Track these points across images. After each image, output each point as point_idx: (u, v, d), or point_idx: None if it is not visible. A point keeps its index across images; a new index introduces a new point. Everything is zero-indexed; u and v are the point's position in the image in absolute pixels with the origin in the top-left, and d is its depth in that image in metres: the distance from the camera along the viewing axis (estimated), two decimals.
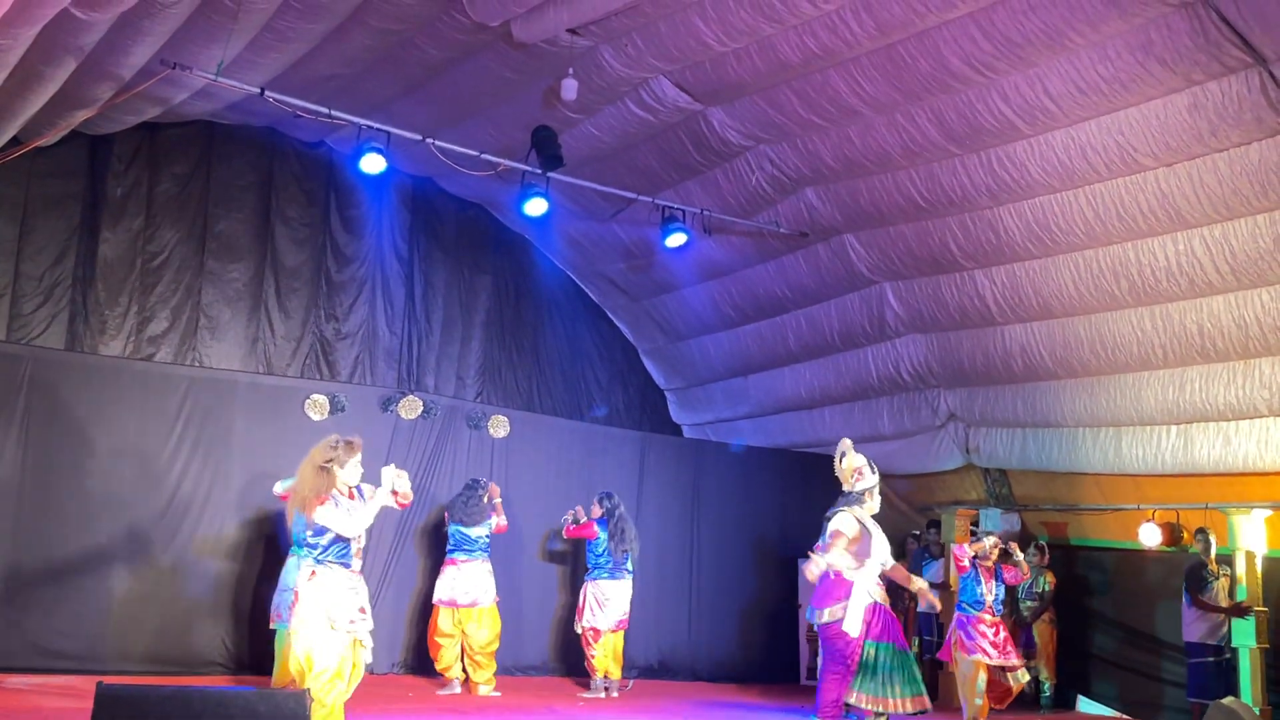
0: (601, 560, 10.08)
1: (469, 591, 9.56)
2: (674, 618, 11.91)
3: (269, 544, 9.51)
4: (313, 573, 6.35)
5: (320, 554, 6.40)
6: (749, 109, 9.83)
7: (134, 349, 11.31)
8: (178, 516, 9.32)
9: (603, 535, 10.09)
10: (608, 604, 10.00)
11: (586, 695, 9.93)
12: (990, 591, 9.40)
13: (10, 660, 8.48)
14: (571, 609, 10.65)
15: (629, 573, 10.16)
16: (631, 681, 10.71)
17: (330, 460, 6.51)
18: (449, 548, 9.71)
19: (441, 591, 9.60)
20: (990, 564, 9.51)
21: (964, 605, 9.53)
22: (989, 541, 9.61)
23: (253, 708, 4.65)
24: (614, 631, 10.07)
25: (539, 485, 11.07)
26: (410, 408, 10.45)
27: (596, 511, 10.16)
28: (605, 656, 10.03)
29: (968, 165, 9.32)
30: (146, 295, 11.57)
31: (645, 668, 11.46)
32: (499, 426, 10.98)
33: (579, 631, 10.15)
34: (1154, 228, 8.76)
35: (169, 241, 11.73)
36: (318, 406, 10.02)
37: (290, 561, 6.51)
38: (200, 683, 8.50)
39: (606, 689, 9.97)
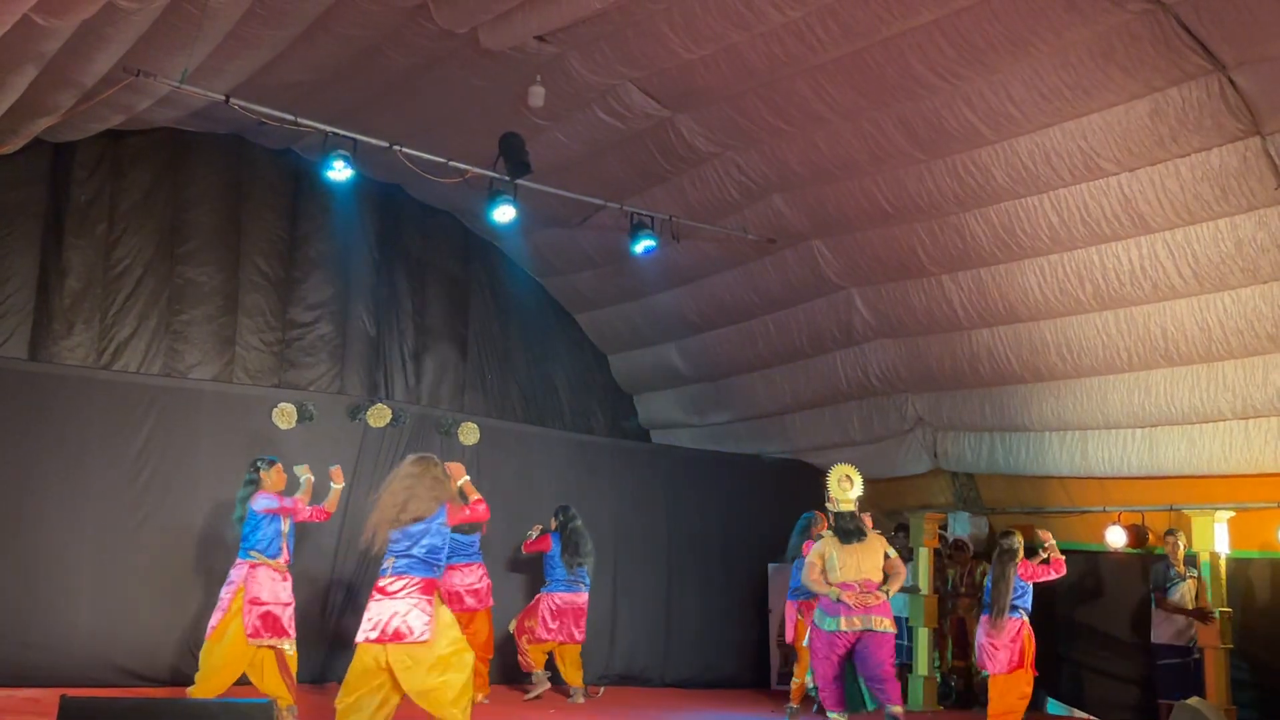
0: (557, 573, 10.12)
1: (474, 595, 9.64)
2: (646, 625, 11.91)
3: (234, 555, 9.43)
4: None
5: None
6: (716, 115, 9.85)
7: (99, 358, 11.18)
8: (144, 528, 9.25)
9: (557, 547, 10.15)
10: (561, 615, 10.04)
11: (529, 696, 10.04)
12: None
13: None
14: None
15: (585, 585, 10.18)
16: (602, 689, 10.70)
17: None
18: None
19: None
20: None
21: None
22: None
23: (217, 718, 4.61)
24: (565, 644, 10.09)
25: (509, 492, 11.04)
26: (379, 416, 10.41)
27: (553, 524, 10.24)
28: (568, 665, 10.17)
29: (934, 171, 9.38)
30: (111, 304, 11.42)
31: (616, 675, 11.45)
32: (469, 434, 10.95)
33: (510, 630, 10.22)
34: (1117, 232, 8.84)
35: (134, 249, 11.59)
36: (285, 415, 9.96)
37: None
38: (169, 695, 8.42)
39: (571, 695, 10.09)
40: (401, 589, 6.58)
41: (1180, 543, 9.65)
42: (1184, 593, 9.57)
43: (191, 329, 11.79)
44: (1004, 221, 9.41)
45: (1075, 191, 8.83)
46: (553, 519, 10.32)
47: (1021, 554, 8.86)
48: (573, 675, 10.19)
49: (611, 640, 11.46)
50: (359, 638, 6.63)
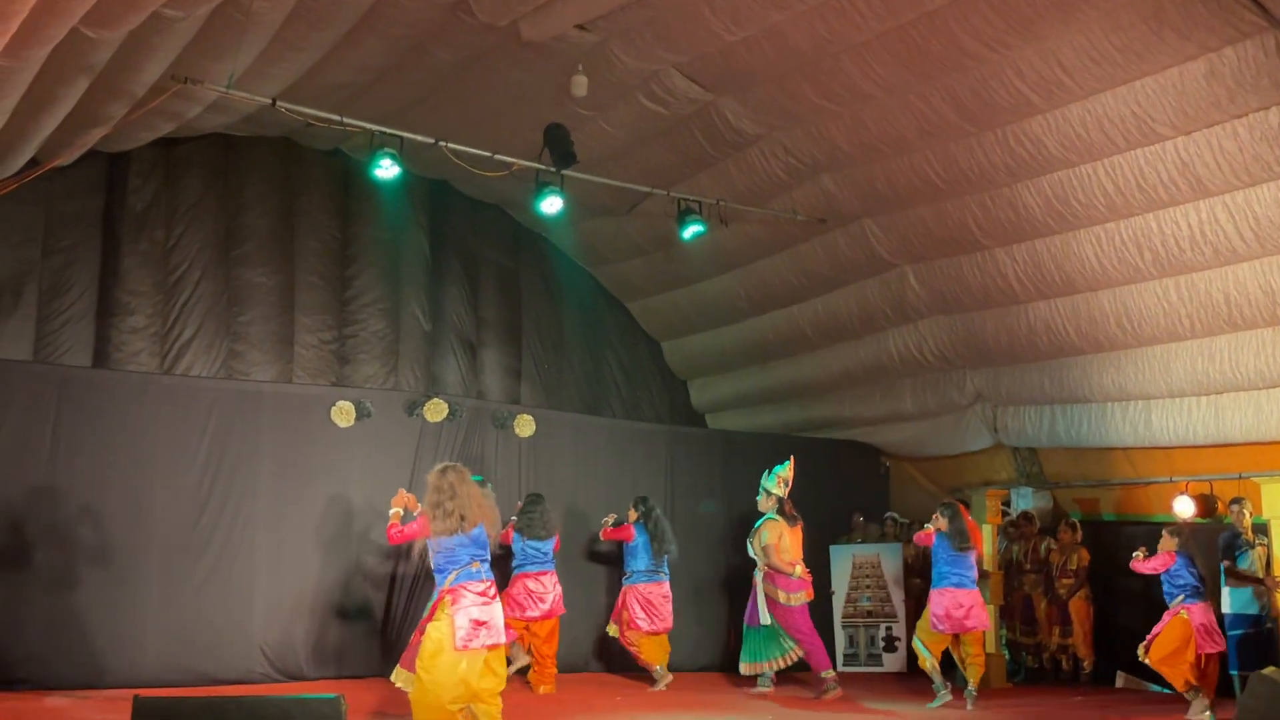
0: (640, 563, 10.17)
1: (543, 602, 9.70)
2: (709, 612, 11.90)
3: (300, 552, 9.56)
4: None
5: None
6: (761, 97, 9.79)
7: (161, 362, 11.37)
8: (209, 528, 9.38)
9: (641, 538, 10.22)
10: (648, 606, 10.16)
11: (653, 688, 10.12)
12: None
13: (51, 678, 8.57)
14: (605, 608, 10.67)
15: (666, 574, 10.32)
16: (671, 676, 10.70)
17: None
18: (517, 562, 9.81)
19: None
20: None
21: None
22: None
23: (288, 714, 4.66)
24: (655, 634, 10.21)
25: (566, 482, 11.07)
26: (436, 410, 10.47)
27: (633, 515, 10.28)
28: (656, 648, 10.28)
29: (984, 143, 9.26)
30: (171, 308, 11.60)
31: (686, 661, 11.44)
32: (525, 425, 10.99)
33: (612, 634, 10.33)
34: (1175, 197, 8.67)
35: (191, 254, 11.76)
36: (344, 413, 10.05)
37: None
38: (239, 692, 8.55)
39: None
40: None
41: (1247, 511, 9.47)
42: (1254, 561, 9.40)
43: (250, 330, 11.94)
44: (1058, 191, 9.27)
45: (1130, 158, 8.66)
46: (632, 509, 10.39)
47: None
48: (662, 659, 10.33)
49: (678, 628, 11.43)
50: (481, 642, 6.47)
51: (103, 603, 8.88)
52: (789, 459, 10.30)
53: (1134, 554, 9.13)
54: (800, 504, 12.42)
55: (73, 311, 11.11)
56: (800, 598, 9.93)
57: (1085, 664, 11.15)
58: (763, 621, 9.86)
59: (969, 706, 9.32)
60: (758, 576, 10.02)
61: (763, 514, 10.14)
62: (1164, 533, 9.11)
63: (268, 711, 4.69)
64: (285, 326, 12.15)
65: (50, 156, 9.68)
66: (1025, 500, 11.73)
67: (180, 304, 11.64)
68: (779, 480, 10.09)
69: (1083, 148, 8.79)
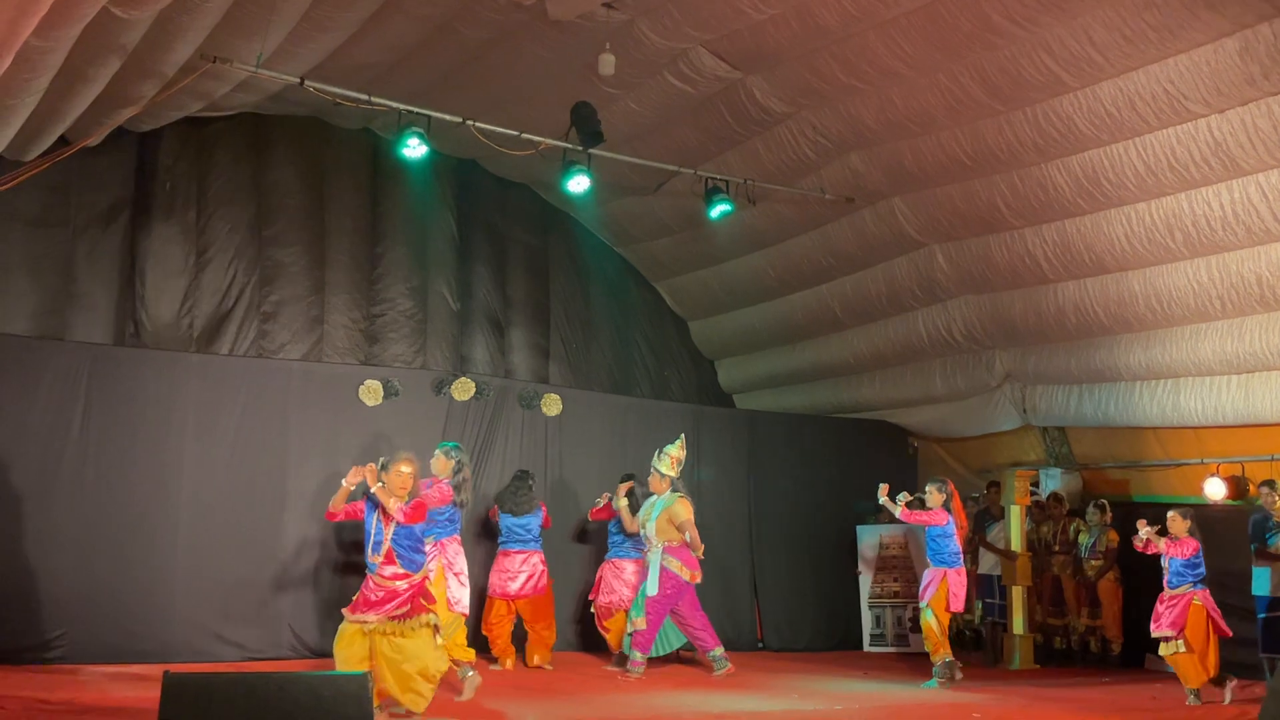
0: (617, 539, 10.24)
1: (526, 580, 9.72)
2: (735, 590, 11.93)
3: (325, 530, 9.63)
4: None
5: None
6: (789, 76, 9.74)
7: (193, 341, 11.47)
8: (238, 505, 9.47)
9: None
10: (618, 583, 10.13)
11: (610, 668, 10.05)
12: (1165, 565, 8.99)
13: (83, 652, 8.70)
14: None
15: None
16: (694, 652, 10.74)
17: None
18: (501, 539, 9.82)
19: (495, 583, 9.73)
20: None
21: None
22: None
23: (316, 691, 4.71)
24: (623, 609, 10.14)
25: (593, 462, 11.10)
26: (463, 389, 10.52)
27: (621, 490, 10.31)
28: (615, 631, 10.16)
29: (1013, 122, 9.18)
30: (201, 288, 11.70)
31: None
32: (552, 405, 11.03)
33: (592, 611, 10.34)
34: (1208, 176, 8.58)
35: (222, 233, 11.84)
36: (372, 392, 10.12)
37: None
38: (267, 668, 8.65)
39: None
40: None
41: (1278, 493, 9.37)
42: None
43: (281, 309, 12.03)
44: (1088, 171, 9.18)
45: (1162, 136, 8.57)
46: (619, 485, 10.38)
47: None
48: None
49: (705, 606, 11.46)
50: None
51: (132, 578, 9.00)
52: (680, 437, 10.05)
53: (1139, 535, 8.82)
54: (827, 485, 12.49)
55: (104, 291, 11.21)
56: (697, 577, 9.79)
57: (1114, 646, 11.11)
58: (650, 592, 9.48)
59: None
60: (656, 554, 9.59)
61: (656, 495, 9.79)
62: (1176, 515, 8.82)
63: (296, 688, 4.73)
64: (315, 306, 12.22)
65: (80, 136, 9.76)
66: (1054, 481, 11.68)
67: (210, 283, 11.73)
68: (671, 461, 9.79)
69: (1114, 126, 8.70)
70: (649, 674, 9.66)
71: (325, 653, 9.28)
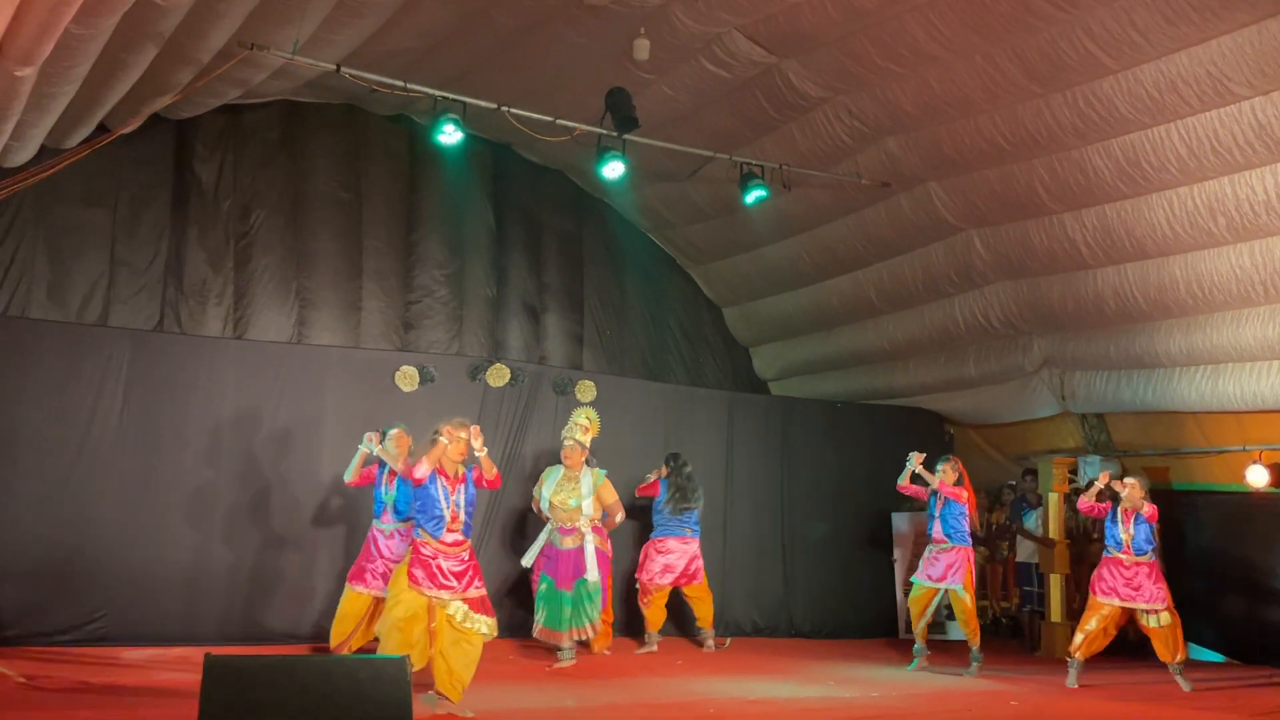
0: (661, 518, 10.30)
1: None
2: (769, 576, 11.92)
3: (363, 514, 9.68)
4: None
5: None
6: (825, 59, 9.67)
7: (233, 327, 11.55)
8: (275, 490, 9.54)
9: (665, 494, 10.35)
10: (661, 559, 10.22)
11: (640, 650, 10.17)
12: (1128, 532, 9.08)
13: (124, 634, 8.81)
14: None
15: (693, 531, 10.33)
16: (729, 640, 10.75)
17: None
18: None
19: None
20: (1128, 505, 9.13)
21: (1106, 546, 9.21)
22: (1100, 480, 9.25)
23: (354, 674, 4.73)
24: (686, 585, 10.28)
25: (627, 448, 11.10)
26: (498, 375, 10.55)
27: (662, 472, 10.45)
28: (698, 605, 10.37)
29: (1052, 105, 9.08)
30: (239, 274, 11.76)
31: (742, 626, 11.49)
32: (586, 391, 11.04)
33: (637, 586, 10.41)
34: (1251, 160, 8.45)
35: (259, 220, 11.90)
36: (407, 377, 10.16)
37: None
38: (308, 651, 8.73)
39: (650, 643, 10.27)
40: None
41: None
42: None
43: (318, 295, 12.08)
44: (1128, 154, 9.07)
45: (1205, 119, 8.45)
46: (663, 465, 10.49)
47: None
48: (704, 614, 10.42)
49: (735, 593, 11.49)
50: None
51: (172, 561, 9.09)
52: (586, 406, 10.07)
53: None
54: (862, 471, 12.43)
55: (143, 277, 11.30)
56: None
57: None
58: (590, 577, 9.22)
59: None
60: (590, 538, 9.32)
61: (569, 468, 9.52)
62: (1135, 483, 9.08)
63: (335, 671, 4.76)
64: (352, 293, 12.28)
65: (118, 124, 9.83)
66: (1093, 468, 11.57)
67: (248, 269, 11.79)
68: (583, 430, 9.64)
69: (1155, 109, 8.58)
70: (684, 659, 9.68)
71: None
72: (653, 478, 10.54)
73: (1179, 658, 8.86)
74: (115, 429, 9.06)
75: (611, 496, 9.57)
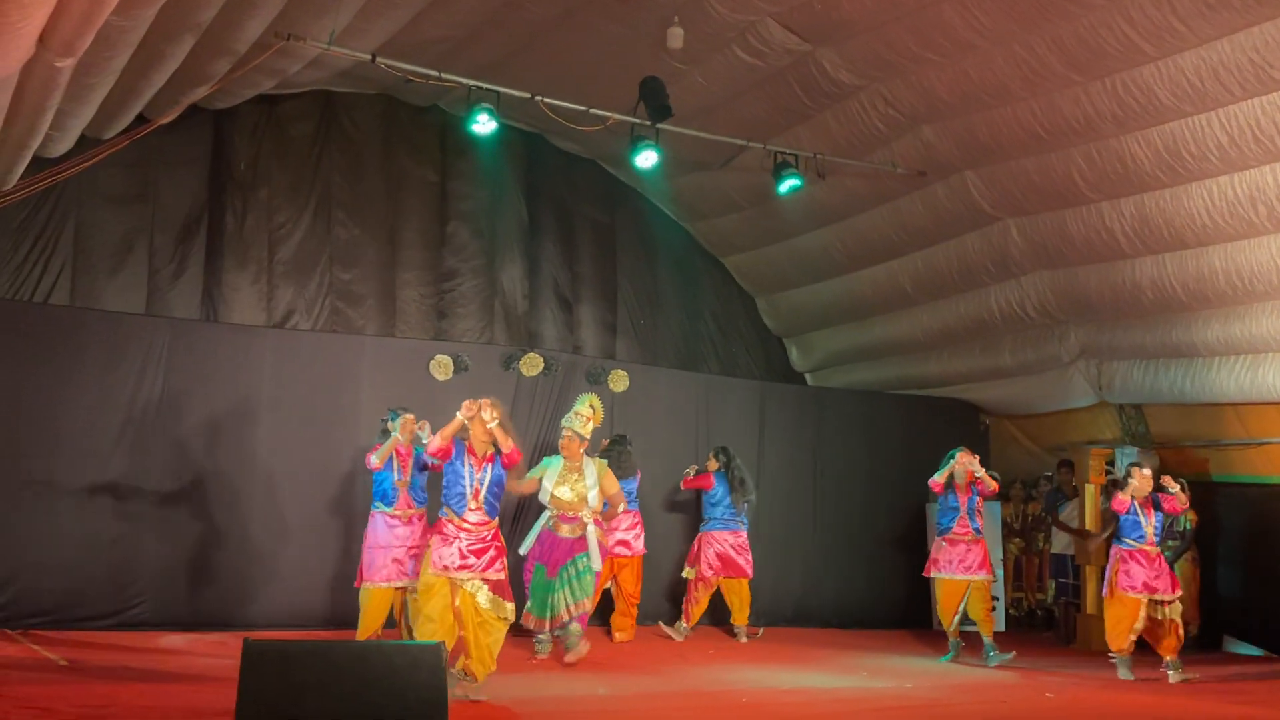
0: (718, 511, 10.31)
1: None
2: (802, 566, 11.92)
3: None
4: None
5: None
6: (860, 48, 9.62)
7: (269, 316, 11.65)
8: (311, 477, 9.62)
9: (721, 486, 10.35)
10: (723, 554, 10.28)
11: (668, 633, 10.22)
12: (1150, 523, 9.02)
13: (163, 618, 8.93)
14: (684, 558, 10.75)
15: (744, 524, 10.42)
16: (761, 629, 10.75)
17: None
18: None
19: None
20: (1139, 495, 9.08)
21: (1125, 540, 9.08)
22: (1142, 476, 9.17)
23: (391, 660, 4.78)
24: (733, 578, 10.34)
25: (660, 437, 11.12)
26: (531, 365, 10.58)
27: (713, 465, 10.42)
28: (737, 601, 10.41)
29: (1091, 93, 8.98)
30: (275, 263, 11.86)
31: (776, 616, 11.48)
32: (619, 380, 11.05)
33: (686, 578, 10.44)
34: None
35: (295, 210, 12.00)
36: (442, 366, 10.22)
37: None
38: (341, 638, 8.79)
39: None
40: None
41: None
42: None
43: (353, 285, 12.18)
44: (1168, 143, 8.96)
45: (1246, 107, 8.33)
46: (713, 459, 10.51)
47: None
48: (740, 613, 10.42)
49: (770, 582, 11.47)
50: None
51: (210, 547, 9.20)
52: (590, 394, 9.40)
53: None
54: (896, 462, 12.39)
55: (182, 266, 11.42)
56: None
57: (1190, 627, 10.91)
58: (596, 568, 8.91)
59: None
60: (593, 528, 8.95)
61: (567, 459, 8.97)
62: (1135, 472, 9.07)
63: (372, 657, 4.81)
64: (386, 283, 12.35)
65: (156, 114, 9.91)
66: (1130, 460, 11.46)
67: (284, 259, 11.88)
68: (585, 419, 8.95)
69: (1196, 97, 8.47)
70: (716, 647, 9.69)
71: (392, 624, 9.43)
72: (693, 472, 10.56)
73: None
74: (155, 417, 9.16)
75: (614, 487, 9.15)
